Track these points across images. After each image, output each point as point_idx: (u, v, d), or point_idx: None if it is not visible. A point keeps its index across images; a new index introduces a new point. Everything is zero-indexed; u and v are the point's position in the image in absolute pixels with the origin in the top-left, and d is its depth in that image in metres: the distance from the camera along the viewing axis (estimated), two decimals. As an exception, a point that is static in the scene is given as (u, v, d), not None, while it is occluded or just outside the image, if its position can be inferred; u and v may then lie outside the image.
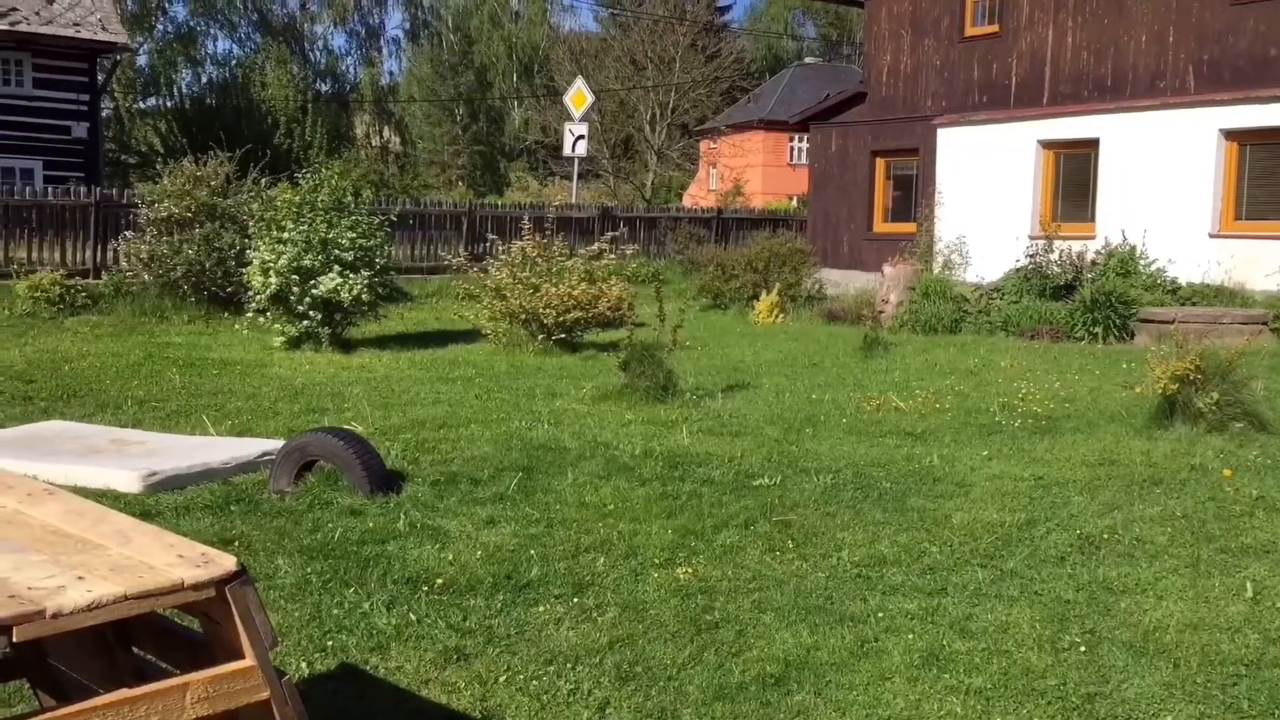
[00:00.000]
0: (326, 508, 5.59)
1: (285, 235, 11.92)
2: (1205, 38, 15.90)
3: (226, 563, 2.06)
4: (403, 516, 5.48)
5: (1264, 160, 15.51)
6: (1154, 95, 16.42)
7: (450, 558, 4.92)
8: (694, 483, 6.32)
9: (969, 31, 19.00)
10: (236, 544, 5.06)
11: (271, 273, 11.82)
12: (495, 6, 65.68)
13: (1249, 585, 4.56)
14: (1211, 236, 15.54)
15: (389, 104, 61.90)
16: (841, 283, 19.07)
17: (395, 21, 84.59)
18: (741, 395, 9.45)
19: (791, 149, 47.15)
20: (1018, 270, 15.62)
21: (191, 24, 54.20)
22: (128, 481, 5.94)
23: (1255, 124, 15.25)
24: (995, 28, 18.56)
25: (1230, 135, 15.64)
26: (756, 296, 16.43)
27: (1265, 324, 12.48)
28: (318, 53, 61.07)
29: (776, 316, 15.85)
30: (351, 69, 63.59)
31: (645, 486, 6.22)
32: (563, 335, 12.21)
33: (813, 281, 17.92)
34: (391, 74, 65.91)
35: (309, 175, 13.03)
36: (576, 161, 25.37)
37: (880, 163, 20.57)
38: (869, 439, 7.64)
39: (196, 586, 1.99)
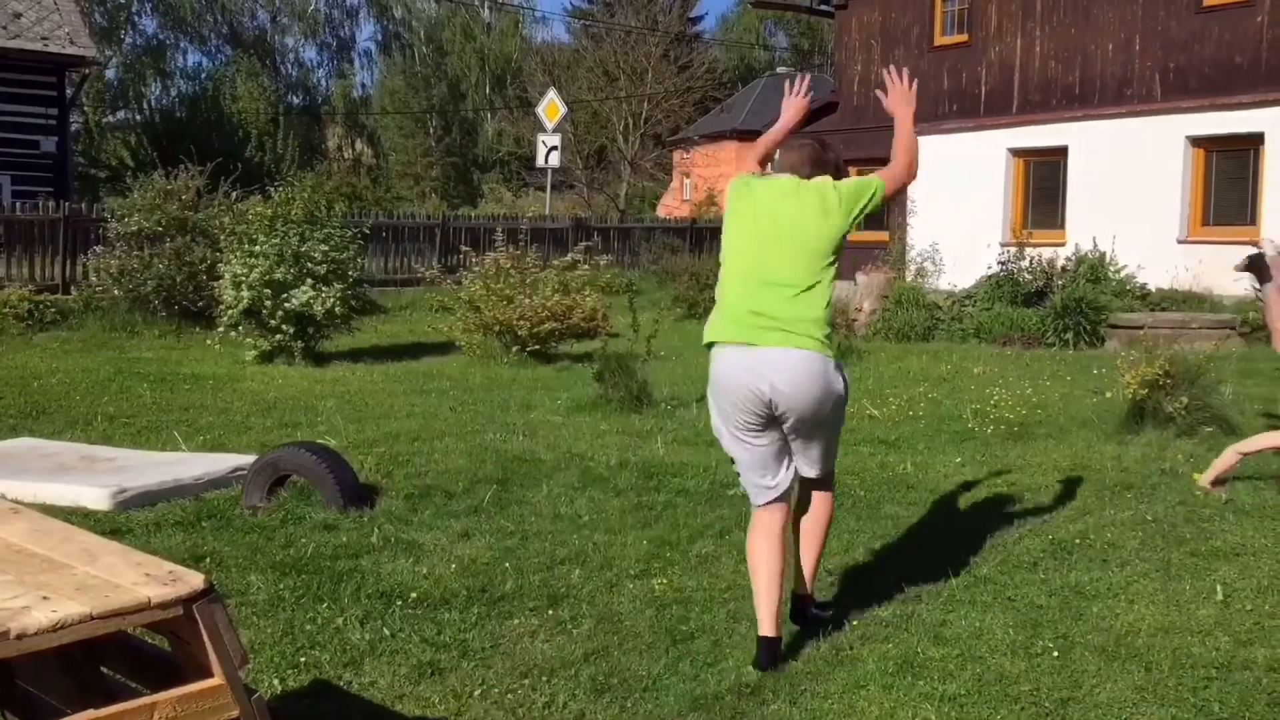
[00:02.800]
0: (299, 523, 5.56)
1: (257, 249, 11.86)
2: (1171, 46, 16.08)
3: (194, 581, 2.05)
4: (376, 531, 5.45)
5: (1230, 167, 15.70)
6: (1121, 103, 16.59)
7: (424, 571, 4.90)
8: (669, 493, 6.32)
9: (938, 41, 19.15)
10: (208, 560, 5.02)
11: (243, 286, 11.75)
12: (467, 18, 65.67)
13: (1219, 588, 4.60)
14: (1180, 242, 15.70)
15: (361, 116, 61.74)
16: (815, 291, 19.10)
17: (367, 34, 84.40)
18: (716, 405, 9.44)
19: (765, 158, 47.27)
20: (990, 277, 15.72)
21: (161, 37, 53.90)
22: (97, 499, 5.88)
23: (1221, 131, 15.44)
24: (964, 37, 18.72)
25: (1197, 142, 15.82)
26: (731, 306, 16.45)
27: (1233, 329, 12.60)
28: (289, 65, 60.87)
29: (751, 326, 15.86)
30: (323, 81, 63.43)
31: (620, 497, 6.21)
32: (537, 347, 12.19)
33: (789, 291, 17.95)
34: (364, 86, 65.75)
35: (281, 188, 12.98)
36: (550, 173, 25.38)
37: (852, 172, 20.59)
38: (843, 447, 7.57)
39: (163, 605, 1.97)
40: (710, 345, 4.22)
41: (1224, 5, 15.55)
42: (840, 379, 4.05)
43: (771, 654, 3.94)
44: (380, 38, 65.21)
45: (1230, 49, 15.48)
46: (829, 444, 4.21)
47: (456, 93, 63.44)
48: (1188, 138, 15.80)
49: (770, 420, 4.00)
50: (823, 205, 4.13)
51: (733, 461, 4.22)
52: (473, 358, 12.28)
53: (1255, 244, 6.62)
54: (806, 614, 4.35)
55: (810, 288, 4.03)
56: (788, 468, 4.11)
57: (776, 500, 4.09)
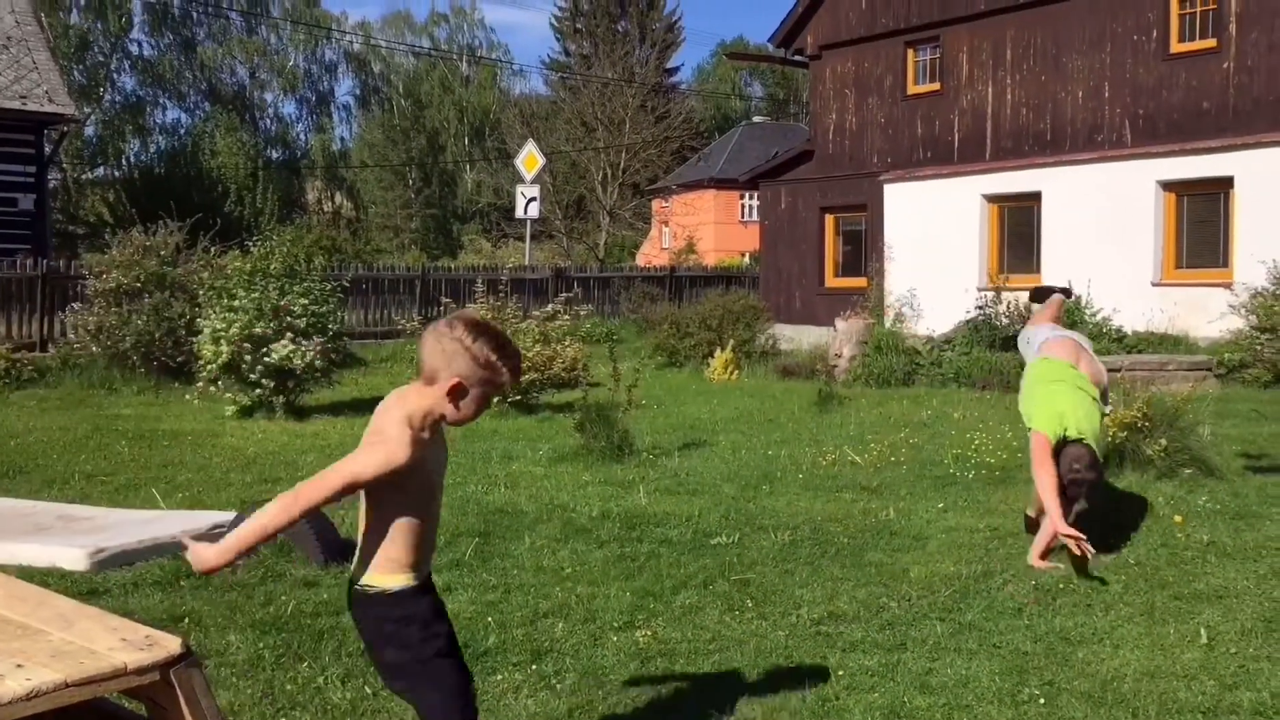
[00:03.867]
0: (280, 580, 5.51)
1: (236, 303, 11.83)
2: (1140, 92, 16.35)
3: (171, 645, 2.02)
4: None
5: (1201, 210, 15.91)
6: (1092, 148, 16.82)
7: (406, 628, 4.84)
8: (652, 543, 6.29)
9: (911, 90, 19.41)
10: (187, 620, 4.96)
11: (223, 341, 11.70)
12: (445, 72, 66.26)
13: (1203, 631, 4.60)
14: (1154, 285, 15.86)
15: (340, 169, 62.02)
16: (795, 338, 19.22)
17: (345, 88, 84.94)
18: (698, 453, 9.46)
19: (743, 206, 47.72)
20: (967, 322, 15.83)
21: (140, 94, 54.15)
22: (75, 559, 5.81)
23: (1191, 175, 15.66)
24: (937, 86, 18.98)
25: (1168, 186, 16.03)
26: (711, 354, 16.50)
27: (1209, 370, 12.70)
28: (268, 120, 61.20)
29: (731, 373, 15.92)
30: (302, 135, 63.75)
31: (603, 548, 6.18)
32: (518, 397, 12.16)
33: (767, 337, 18.03)
34: (343, 140, 66.14)
35: (260, 242, 12.99)
36: (529, 223, 25.50)
37: (830, 219, 20.86)
38: (825, 494, 7.66)
39: (140, 671, 1.95)
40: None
41: (1191, 52, 15.84)
42: None
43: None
44: (359, 92, 65.71)
45: (1198, 95, 15.74)
46: None
47: (435, 145, 63.87)
48: (1159, 182, 16.02)
49: None
50: None
51: None
52: (454, 409, 12.22)
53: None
54: None
55: None
56: None
57: None
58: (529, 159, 24.77)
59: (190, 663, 2.03)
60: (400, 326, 17.03)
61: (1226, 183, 15.21)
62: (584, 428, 9.22)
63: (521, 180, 25.07)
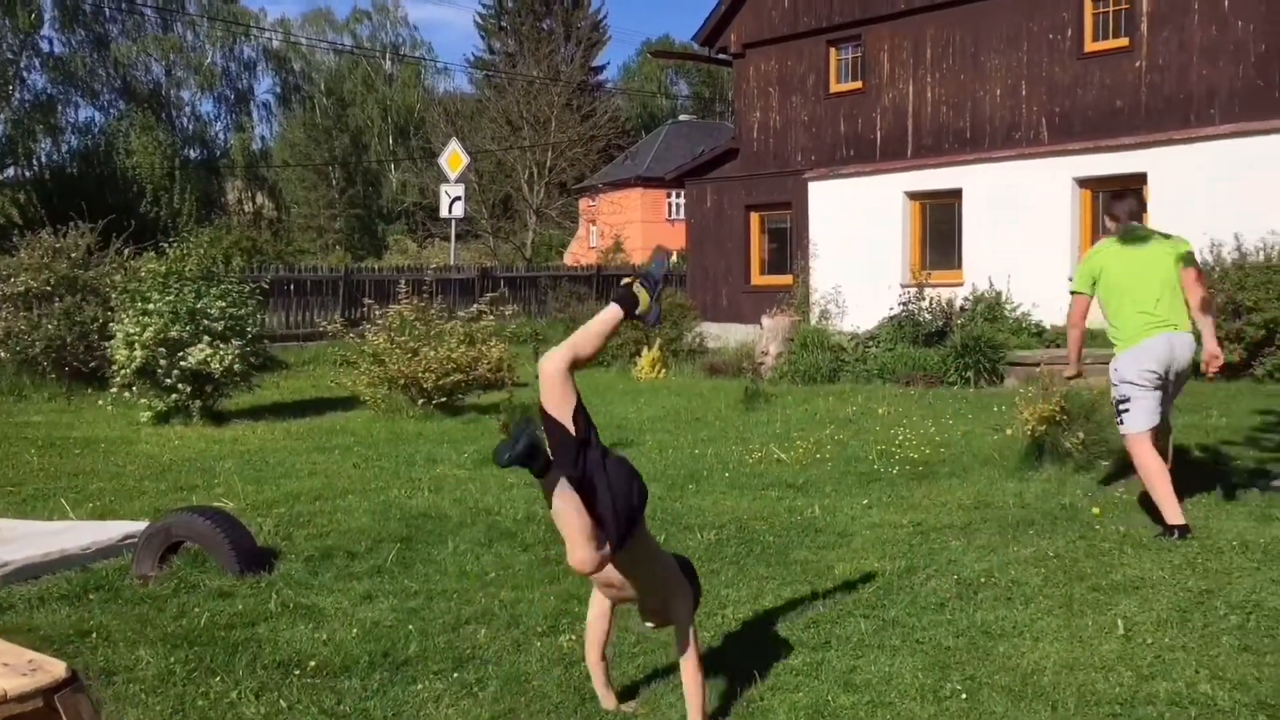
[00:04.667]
0: (193, 591, 5.36)
1: (150, 307, 11.55)
2: (1056, 91, 16.64)
3: (56, 670, 1.92)
4: (274, 596, 5.28)
5: (1116, 206, 16.21)
6: (1010, 146, 17.09)
7: (324, 637, 4.74)
8: (577, 545, 6.23)
9: (834, 88, 19.56)
10: (94, 635, 4.79)
11: (136, 345, 11.42)
12: (369, 70, 65.46)
13: (1120, 623, 4.66)
14: (1071, 280, 16.14)
15: (261, 169, 60.95)
16: (722, 336, 19.27)
17: (265, 86, 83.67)
18: (625, 453, 9.38)
19: (669, 204, 47.77)
20: (891, 318, 15.99)
21: (51, 92, 52.60)
22: (-23, 574, 5.59)
23: (1105, 172, 15.97)
24: (859, 85, 19.15)
25: (1083, 183, 16.34)
26: (638, 353, 16.48)
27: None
28: (185, 119, 59.89)
29: (659, 372, 15.91)
30: (221, 134, 62.53)
31: (528, 552, 6.12)
32: (443, 399, 12.04)
33: (694, 335, 18.06)
34: (263, 139, 65.01)
35: (176, 244, 12.69)
36: (454, 223, 25.27)
37: (755, 217, 20.95)
38: (751, 492, 7.66)
39: (21, 698, 1.85)
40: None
41: (1104, 51, 16.16)
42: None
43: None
44: (279, 90, 64.63)
45: (1111, 93, 16.06)
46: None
47: (359, 144, 63.07)
48: (1074, 178, 16.32)
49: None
50: None
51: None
52: (377, 412, 12.08)
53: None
54: None
55: None
56: None
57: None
58: (453, 158, 24.55)
59: (76, 688, 1.93)
60: (323, 328, 16.74)
61: (1140, 179, 15.53)
62: (510, 429, 9.12)
63: (446, 179, 24.84)
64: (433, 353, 11.96)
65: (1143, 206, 6.80)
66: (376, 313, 12.87)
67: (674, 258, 5.52)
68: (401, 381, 11.99)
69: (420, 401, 11.95)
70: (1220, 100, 15.03)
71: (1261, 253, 12.90)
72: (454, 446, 9.86)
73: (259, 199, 60.60)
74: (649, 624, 3.91)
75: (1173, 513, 6.00)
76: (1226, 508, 6.57)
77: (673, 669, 4.07)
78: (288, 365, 17.45)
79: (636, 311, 3.66)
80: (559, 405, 3.39)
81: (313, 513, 7.09)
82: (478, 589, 5.44)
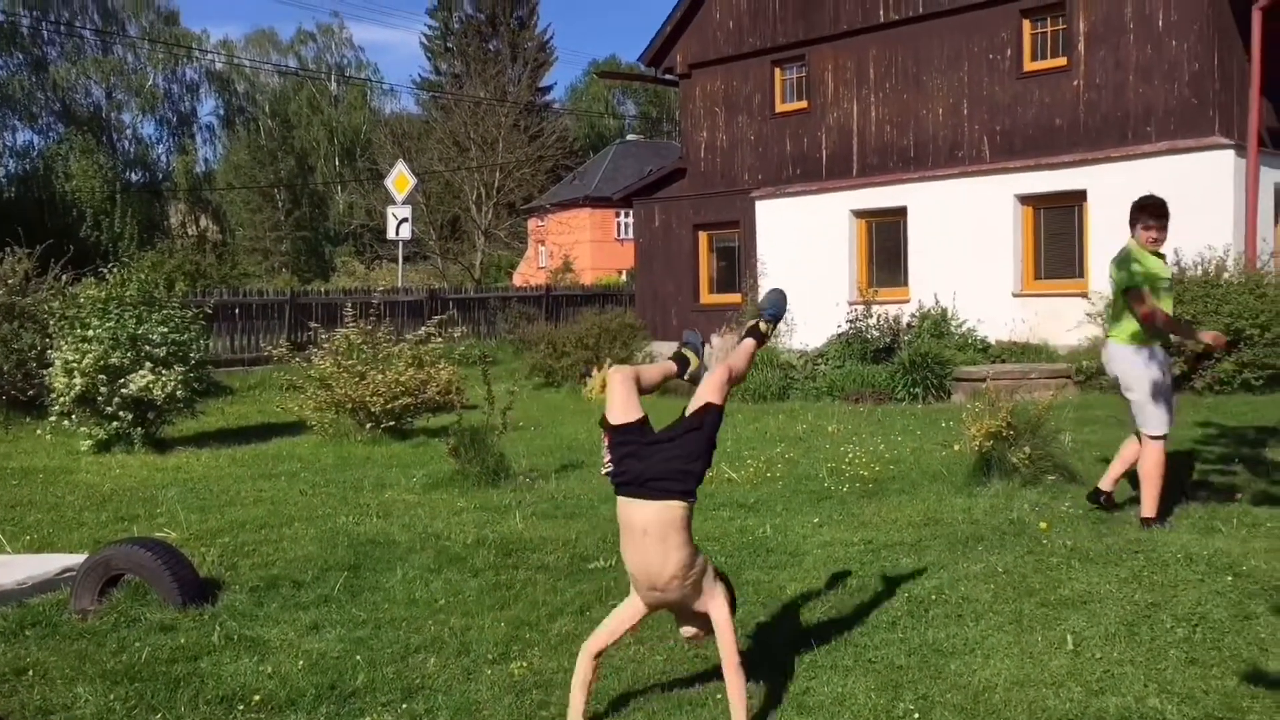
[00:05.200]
0: (133, 625, 5.23)
1: (90, 333, 11.34)
2: (996, 109, 16.88)
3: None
4: (218, 628, 5.17)
5: (1057, 222, 16.48)
6: (953, 164, 17.30)
7: (269, 670, 4.65)
8: (528, 570, 6.18)
9: (779, 108, 19.71)
10: (31, 673, 4.66)
11: (76, 373, 11.19)
12: (314, 91, 65.03)
13: (1069, 638, 4.69)
14: (1015, 296, 16.36)
15: (205, 192, 60.25)
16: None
17: (209, 109, 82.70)
18: (576, 475, 9.37)
19: (618, 224, 47.84)
20: (840, 336, 16.09)
21: (-12, 115, 51.73)
22: (-93, 612, 5.43)
23: (1046, 189, 16.22)
24: (804, 104, 19.30)
25: (1025, 200, 16.58)
26: (589, 373, 16.44)
27: (1069, 377, 13.13)
28: (126, 142, 59.09)
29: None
30: (164, 157, 61.77)
31: (478, 577, 6.05)
32: (392, 423, 11.93)
33: (644, 355, 18.04)
34: (207, 161, 64.30)
35: (117, 269, 12.48)
36: (401, 245, 25.11)
37: (703, 236, 21.02)
38: (703, 512, 7.63)
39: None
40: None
41: (1043, 70, 16.43)
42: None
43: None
44: (223, 112, 63.96)
45: (1050, 111, 16.33)
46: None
47: (305, 166, 62.58)
48: (1016, 196, 16.55)
49: None
50: None
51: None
52: (325, 437, 11.93)
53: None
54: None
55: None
56: None
57: None
58: (400, 179, 24.41)
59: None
60: (268, 353, 16.51)
61: (1080, 196, 15.78)
62: (459, 452, 9.05)
63: (393, 201, 24.69)
64: (380, 376, 11.85)
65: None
66: (323, 336, 12.73)
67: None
68: (349, 405, 11.86)
69: (368, 425, 11.82)
70: (1156, 118, 15.33)
71: (1200, 267, 13.13)
72: (403, 470, 9.76)
73: (203, 222, 59.88)
74: (687, 634, 4.10)
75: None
76: (1170, 520, 6.65)
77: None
78: (233, 390, 17.21)
79: (687, 373, 4.54)
80: (630, 410, 4.04)
81: (258, 541, 6.97)
82: (427, 616, 5.37)
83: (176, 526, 7.43)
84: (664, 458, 3.89)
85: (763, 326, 4.72)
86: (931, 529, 6.79)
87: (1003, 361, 14.73)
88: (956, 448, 8.67)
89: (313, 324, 15.00)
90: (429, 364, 12.53)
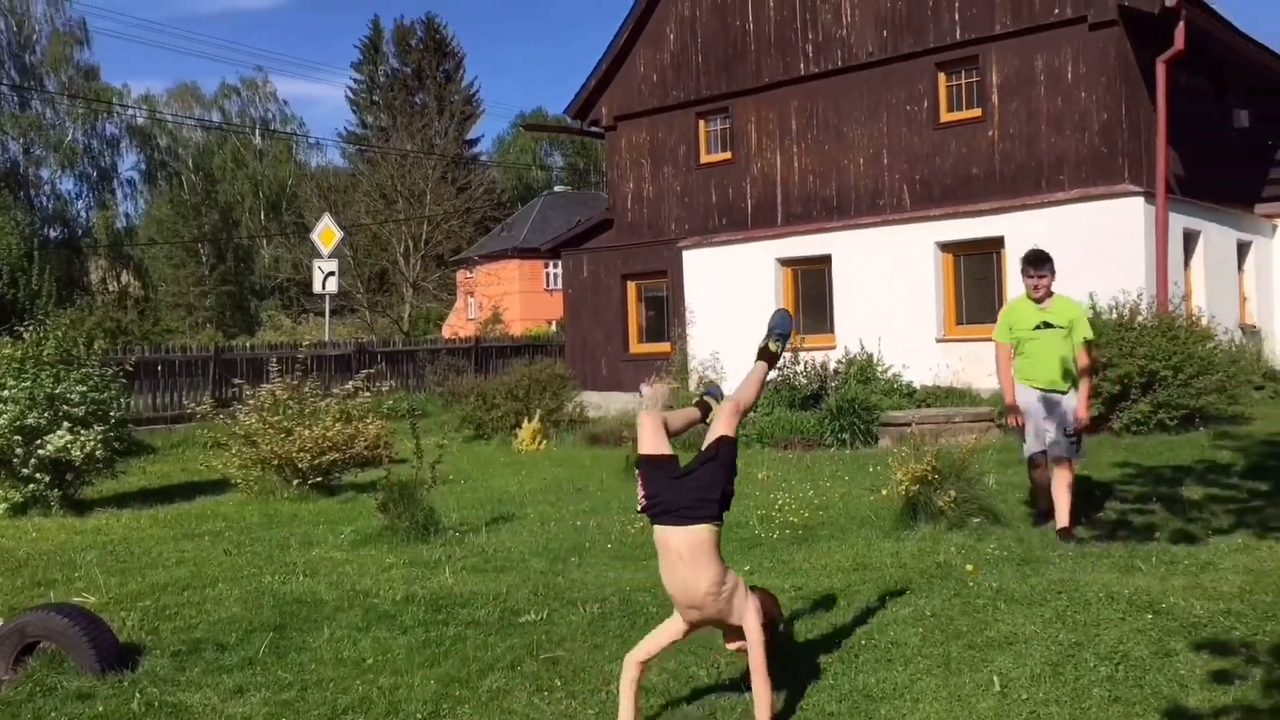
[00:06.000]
0: (50, 695, 5.08)
1: (5, 393, 11.07)
2: (915, 159, 17.27)
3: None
4: (138, 696, 5.04)
5: (976, 268, 16.84)
6: (876, 213, 17.64)
7: (192, 737, 4.54)
8: (458, 625, 6.12)
9: (704, 159, 19.97)
10: (-60, 749, 4.51)
11: (-10, 435, 10.90)
12: (238, 145, 64.50)
13: (996, 679, 4.75)
14: (938, 341, 16.65)
15: (126, 247, 59.21)
16: (602, 405, 19.29)
17: (130, 163, 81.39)
18: (507, 527, 9.31)
19: (547, 274, 47.94)
20: (769, 383, 16.19)
21: (-101, 171, 50.48)
22: None
23: (965, 236, 16.59)
24: (728, 155, 19.58)
25: (945, 247, 16.93)
26: (519, 424, 16.38)
27: (992, 420, 13.35)
28: (45, 197, 57.89)
29: (540, 443, 15.82)
30: (83, 213, 60.58)
31: (407, 635, 5.97)
32: (319, 479, 11.77)
33: (574, 405, 18.04)
34: (128, 216, 63.19)
35: (33, 327, 12.22)
36: (328, 298, 24.88)
37: (632, 285, 21.13)
38: (635, 563, 7.63)
39: None
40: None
41: (959, 121, 16.86)
42: None
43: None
44: (145, 166, 63.03)
45: (968, 161, 16.74)
46: None
47: (229, 220, 61.88)
48: (937, 243, 16.89)
49: None
50: None
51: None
52: (250, 495, 11.72)
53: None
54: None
55: None
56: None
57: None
58: (326, 233, 24.25)
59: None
60: (191, 410, 16.21)
61: (998, 242, 16.15)
62: (387, 507, 8.96)
63: (319, 255, 24.50)
64: (307, 432, 11.70)
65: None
66: (248, 392, 12.55)
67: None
68: (275, 462, 11.68)
69: (295, 482, 11.65)
70: (1069, 166, 15.79)
71: (1114, 311, 13.48)
72: (330, 527, 9.62)
73: (124, 278, 58.78)
74: (732, 646, 4.55)
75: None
76: (1092, 559, 6.79)
77: None
78: (155, 449, 16.86)
79: (709, 418, 4.87)
80: (658, 445, 4.58)
81: (180, 604, 6.82)
82: (355, 676, 5.28)
83: (95, 590, 7.25)
84: (689, 488, 4.39)
85: (773, 347, 4.99)
86: (861, 574, 6.85)
87: (928, 406, 14.94)
88: (884, 492, 8.77)
89: (237, 380, 14.78)
90: (357, 418, 12.40)
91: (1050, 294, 7.78)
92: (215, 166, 62.97)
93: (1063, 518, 7.45)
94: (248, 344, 27.91)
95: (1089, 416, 7.89)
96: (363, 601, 6.71)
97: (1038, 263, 7.76)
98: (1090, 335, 7.77)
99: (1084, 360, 7.72)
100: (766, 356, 4.97)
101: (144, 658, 5.61)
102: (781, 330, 5.05)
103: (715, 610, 4.37)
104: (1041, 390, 7.62)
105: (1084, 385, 7.73)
